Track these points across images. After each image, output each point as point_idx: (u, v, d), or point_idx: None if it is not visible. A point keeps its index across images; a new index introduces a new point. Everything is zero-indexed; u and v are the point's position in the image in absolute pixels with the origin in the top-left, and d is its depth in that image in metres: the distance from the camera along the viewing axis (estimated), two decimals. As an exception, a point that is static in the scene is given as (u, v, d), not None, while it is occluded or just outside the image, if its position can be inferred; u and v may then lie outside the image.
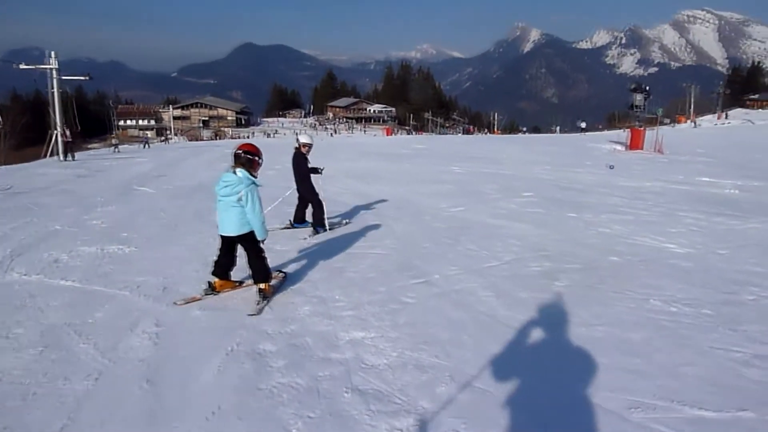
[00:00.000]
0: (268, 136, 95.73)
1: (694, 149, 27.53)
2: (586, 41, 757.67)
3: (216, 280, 5.53)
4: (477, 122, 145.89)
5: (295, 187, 8.73)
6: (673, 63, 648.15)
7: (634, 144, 29.22)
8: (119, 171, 21.06)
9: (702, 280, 5.79)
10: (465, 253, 7.02)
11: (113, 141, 44.00)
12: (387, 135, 79.58)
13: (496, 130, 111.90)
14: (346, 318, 4.79)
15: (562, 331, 4.44)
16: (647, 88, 34.36)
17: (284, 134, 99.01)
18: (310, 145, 8.65)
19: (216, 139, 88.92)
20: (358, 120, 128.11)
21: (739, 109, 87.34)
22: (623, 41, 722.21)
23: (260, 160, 5.28)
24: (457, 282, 5.79)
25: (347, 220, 9.42)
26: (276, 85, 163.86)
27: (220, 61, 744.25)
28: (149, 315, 4.93)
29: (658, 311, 4.86)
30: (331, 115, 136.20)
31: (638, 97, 33.42)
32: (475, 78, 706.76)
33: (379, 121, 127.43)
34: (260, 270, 5.28)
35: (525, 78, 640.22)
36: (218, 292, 5.50)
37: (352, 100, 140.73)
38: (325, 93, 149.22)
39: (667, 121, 37.47)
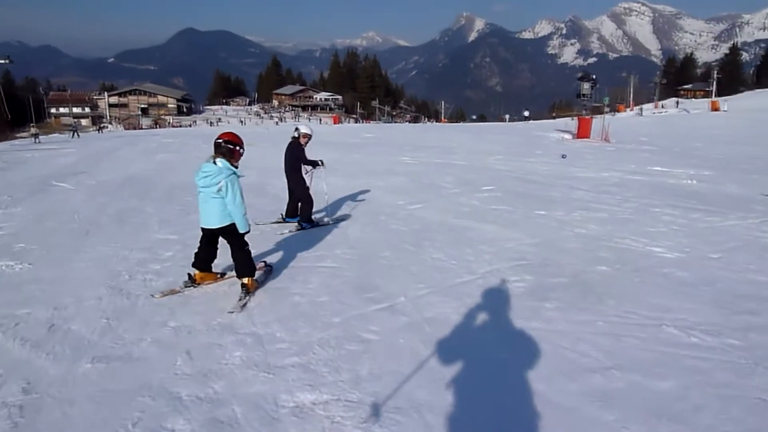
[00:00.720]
0: (211, 124, 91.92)
1: (638, 137, 27.67)
2: (529, 31, 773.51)
3: (196, 272, 5.29)
4: (424, 111, 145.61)
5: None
6: (611, 53, 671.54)
7: (582, 133, 29.10)
8: (39, 164, 18.92)
9: (710, 295, 4.96)
10: (432, 265, 5.97)
11: (32, 130, 40.67)
12: (335, 123, 77.69)
13: (443, 118, 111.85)
14: (289, 369, 3.62)
15: (573, 381, 3.43)
16: (594, 77, 34.44)
17: (228, 122, 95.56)
18: (310, 136, 8.20)
19: (156, 128, 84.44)
20: (305, 108, 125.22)
21: (674, 99, 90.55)
22: (564, 32, 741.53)
23: (241, 150, 5.08)
24: (427, 306, 4.72)
25: (342, 215, 8.80)
26: (219, 72, 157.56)
27: (161, 47, 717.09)
28: (19, 372, 3.61)
29: (677, 344, 3.95)
30: (276, 103, 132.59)
31: (585, 86, 33.43)
32: (421, 66, 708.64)
33: (326, 109, 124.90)
34: (244, 264, 5.06)
35: (470, 67, 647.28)
36: (198, 284, 5.29)
37: (298, 87, 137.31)
38: (270, 80, 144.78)
39: (607, 109, 37.87)
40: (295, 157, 7.87)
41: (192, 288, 5.20)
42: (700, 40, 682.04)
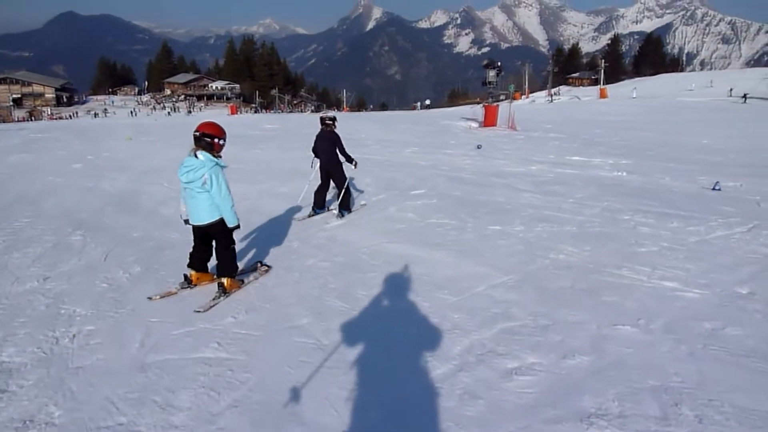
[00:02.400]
0: (96, 115, 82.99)
1: (541, 125, 27.54)
2: (425, 21, 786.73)
3: (192, 272, 5.01)
4: (326, 99, 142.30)
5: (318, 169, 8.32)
6: (503, 43, 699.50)
7: (489, 121, 28.64)
8: None
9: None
10: (377, 342, 3.86)
11: None
12: (232, 113, 72.44)
13: (345, 107, 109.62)
14: None
15: None
16: (499, 63, 33.94)
17: (114, 113, 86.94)
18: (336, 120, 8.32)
19: (30, 120, 74.52)
20: (200, 97, 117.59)
21: (563, 87, 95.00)
22: (459, 22, 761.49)
23: (222, 142, 4.74)
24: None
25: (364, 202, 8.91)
26: (103, 59, 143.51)
27: (37, 32, 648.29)
28: None
29: None
30: (169, 92, 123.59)
31: (491, 73, 32.77)
32: (320, 55, 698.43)
33: (222, 98, 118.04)
34: (226, 263, 4.87)
35: (369, 55, 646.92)
36: (195, 285, 5.01)
37: (192, 76, 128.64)
38: (161, 68, 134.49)
39: (503, 97, 38.28)
40: (336, 146, 8.10)
41: (188, 289, 4.96)
42: (582, 32, 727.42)
